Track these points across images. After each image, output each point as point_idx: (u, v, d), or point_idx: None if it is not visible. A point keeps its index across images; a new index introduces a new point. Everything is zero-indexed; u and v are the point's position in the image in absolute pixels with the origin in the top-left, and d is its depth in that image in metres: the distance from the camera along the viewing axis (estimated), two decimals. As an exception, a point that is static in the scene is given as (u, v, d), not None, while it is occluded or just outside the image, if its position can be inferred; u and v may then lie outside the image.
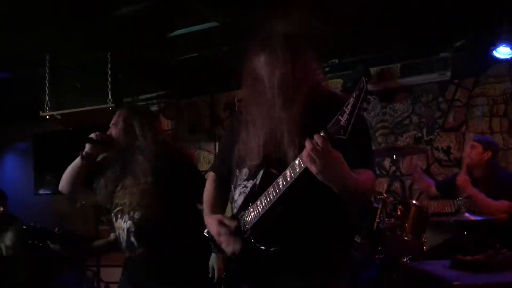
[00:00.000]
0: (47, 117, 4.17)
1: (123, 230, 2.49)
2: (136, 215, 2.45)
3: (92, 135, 2.52)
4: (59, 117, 4.19)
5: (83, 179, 2.58)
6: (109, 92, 4.06)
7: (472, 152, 3.80)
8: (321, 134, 1.48)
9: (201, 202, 2.26)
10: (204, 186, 2.10)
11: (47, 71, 4.14)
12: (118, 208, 2.53)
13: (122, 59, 4.22)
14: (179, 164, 2.57)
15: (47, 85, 4.14)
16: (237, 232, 1.79)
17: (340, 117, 1.44)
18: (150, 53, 4.49)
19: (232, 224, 1.80)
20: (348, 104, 1.43)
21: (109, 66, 4.08)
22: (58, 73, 4.18)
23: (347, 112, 1.42)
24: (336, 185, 1.57)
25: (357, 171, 1.65)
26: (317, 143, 1.47)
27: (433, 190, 4.10)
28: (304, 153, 1.51)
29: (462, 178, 3.66)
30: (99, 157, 2.59)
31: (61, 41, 4.07)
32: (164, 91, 5.79)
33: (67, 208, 5.91)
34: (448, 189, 4.00)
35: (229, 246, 1.81)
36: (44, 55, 4.15)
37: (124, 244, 2.50)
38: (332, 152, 1.49)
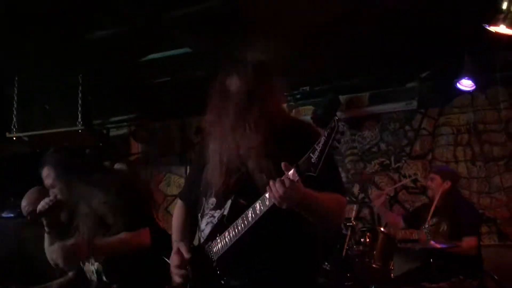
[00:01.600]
0: (14, 138, 4.07)
1: (93, 272, 2.50)
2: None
3: (40, 207, 2.49)
4: (26, 138, 4.10)
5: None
6: (79, 115, 4.00)
7: (432, 184, 3.91)
8: (290, 174, 1.52)
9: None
10: (148, 203, 2.10)
11: (15, 92, 4.06)
12: None
13: (93, 81, 4.18)
14: (124, 193, 2.52)
15: (14, 106, 4.06)
16: (190, 264, 1.78)
17: (311, 154, 1.48)
18: (122, 77, 4.47)
19: (187, 255, 1.78)
20: (319, 143, 1.46)
21: (80, 88, 4.03)
22: (27, 94, 4.11)
23: (318, 150, 1.46)
24: (301, 207, 1.61)
25: (324, 192, 1.68)
26: (284, 184, 1.52)
27: (401, 223, 4.16)
28: (273, 195, 1.54)
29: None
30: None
31: (31, 62, 4.01)
32: (135, 114, 5.76)
33: (30, 233, 5.71)
34: (413, 220, 4.08)
35: (174, 276, 1.82)
36: (13, 75, 4.07)
37: (97, 285, 2.50)
38: (301, 189, 1.54)
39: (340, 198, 1.76)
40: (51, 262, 2.51)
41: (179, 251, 1.81)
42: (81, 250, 2.33)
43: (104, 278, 2.47)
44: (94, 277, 2.50)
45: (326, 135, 1.45)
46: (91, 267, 2.50)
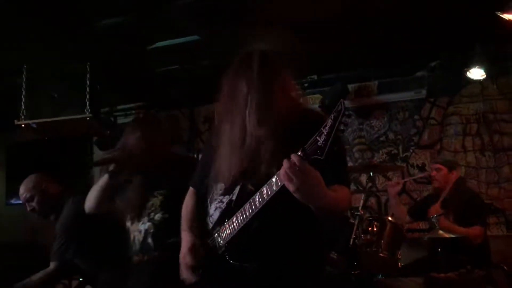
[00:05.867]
0: (23, 126, 4.09)
1: (140, 232, 2.50)
2: (157, 217, 2.48)
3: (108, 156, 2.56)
4: (34, 126, 4.11)
5: (109, 197, 2.59)
6: (87, 102, 4.01)
7: (438, 174, 3.87)
8: (299, 154, 1.50)
9: None
10: None
11: (24, 80, 4.07)
12: (135, 212, 2.54)
13: (101, 69, 4.18)
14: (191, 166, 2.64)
15: (23, 93, 4.07)
16: (194, 268, 1.83)
17: (317, 137, 1.46)
18: (130, 64, 4.47)
19: (198, 256, 1.84)
20: (326, 125, 1.45)
21: (87, 76, 4.03)
22: (36, 82, 4.11)
23: (325, 133, 1.44)
24: (313, 204, 1.58)
25: (333, 188, 1.67)
26: (294, 162, 1.48)
27: (406, 217, 4.14)
28: (282, 171, 1.52)
29: (435, 210, 3.68)
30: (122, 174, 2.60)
31: (40, 50, 4.02)
32: (143, 102, 5.76)
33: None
34: (419, 212, 4.07)
35: (186, 275, 1.87)
36: (21, 64, 4.08)
37: (138, 247, 2.50)
38: (310, 171, 1.50)
39: (347, 192, 1.76)
40: (88, 204, 2.59)
41: (192, 250, 1.85)
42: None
43: (150, 240, 2.46)
44: (139, 237, 2.49)
45: (332, 118, 1.43)
46: (141, 226, 2.50)
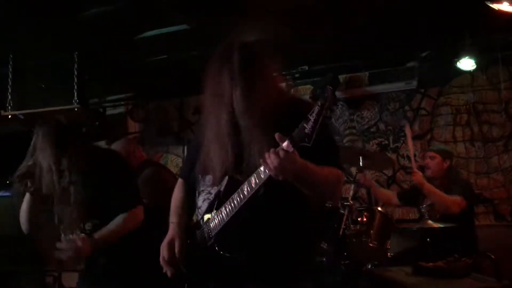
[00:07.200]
0: (9, 116, 4.04)
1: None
2: (88, 226, 2.39)
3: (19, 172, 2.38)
4: (21, 117, 4.07)
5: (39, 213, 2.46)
6: (75, 93, 3.96)
7: (432, 162, 3.90)
8: (284, 145, 1.51)
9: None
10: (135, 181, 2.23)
11: (10, 70, 4.02)
12: (65, 224, 2.41)
13: (89, 59, 4.13)
14: (114, 167, 2.46)
15: (9, 83, 4.02)
16: (174, 262, 1.83)
17: (305, 124, 1.46)
18: (118, 54, 4.42)
19: (178, 255, 1.82)
20: (313, 112, 1.45)
21: (75, 66, 3.98)
22: (22, 72, 4.06)
23: (312, 120, 1.44)
24: (300, 181, 1.60)
25: (321, 166, 1.68)
26: (278, 155, 1.50)
27: (395, 200, 4.17)
28: (268, 165, 1.53)
29: (417, 175, 3.74)
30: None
31: (26, 40, 3.96)
32: (132, 93, 5.71)
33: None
34: (409, 198, 4.08)
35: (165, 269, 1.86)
36: (7, 53, 4.02)
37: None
38: (297, 160, 1.52)
39: (337, 171, 1.76)
40: (23, 227, 2.46)
41: (171, 244, 1.84)
42: (84, 249, 2.26)
43: None
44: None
45: (320, 105, 1.43)
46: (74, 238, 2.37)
